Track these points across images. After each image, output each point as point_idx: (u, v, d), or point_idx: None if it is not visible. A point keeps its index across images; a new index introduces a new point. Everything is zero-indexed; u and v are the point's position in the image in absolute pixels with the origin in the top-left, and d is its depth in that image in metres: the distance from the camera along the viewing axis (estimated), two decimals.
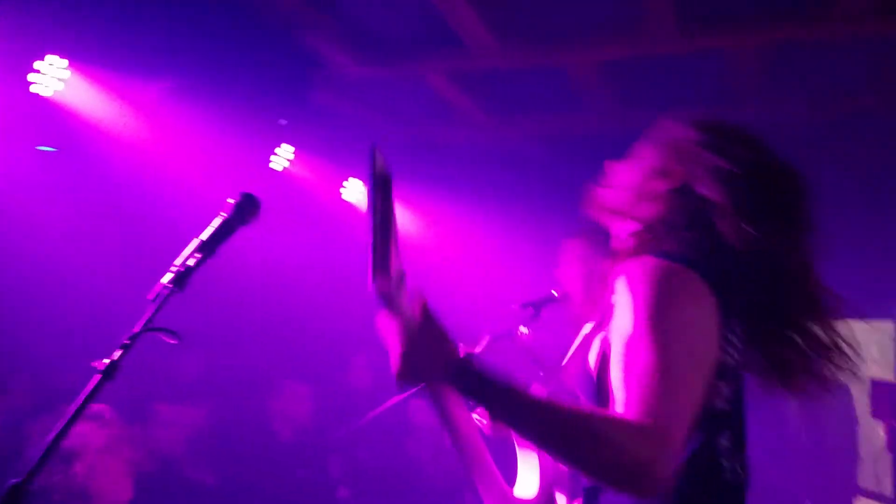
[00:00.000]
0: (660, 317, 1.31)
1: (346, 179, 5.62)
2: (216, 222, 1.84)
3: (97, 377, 1.66)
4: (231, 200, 1.85)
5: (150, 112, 3.74)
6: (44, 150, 4.17)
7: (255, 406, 4.81)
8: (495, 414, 1.51)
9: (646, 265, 1.40)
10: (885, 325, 6.68)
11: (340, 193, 5.62)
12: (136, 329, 1.72)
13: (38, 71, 3.31)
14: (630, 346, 1.31)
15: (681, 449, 1.26)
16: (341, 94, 5.07)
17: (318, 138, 4.94)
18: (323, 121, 4.93)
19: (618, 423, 1.22)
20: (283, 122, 4.30)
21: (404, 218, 6.40)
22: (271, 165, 4.59)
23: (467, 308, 5.55)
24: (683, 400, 1.26)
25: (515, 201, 6.18)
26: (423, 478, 5.26)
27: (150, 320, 1.74)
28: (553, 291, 3.28)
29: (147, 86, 3.62)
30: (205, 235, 1.83)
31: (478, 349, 3.34)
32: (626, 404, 1.25)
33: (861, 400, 6.52)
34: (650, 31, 4.35)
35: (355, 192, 5.71)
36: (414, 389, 4.06)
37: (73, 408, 1.62)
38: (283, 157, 4.65)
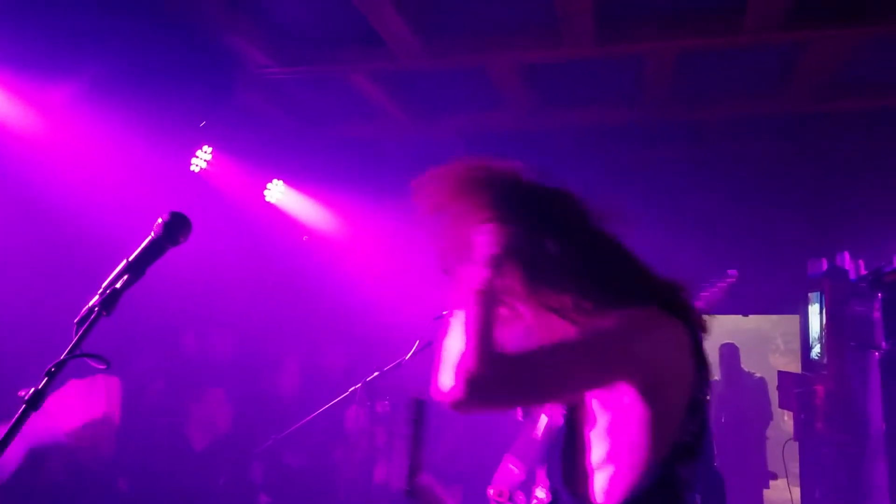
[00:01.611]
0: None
1: (270, 181, 5.52)
2: (145, 242, 1.79)
3: (22, 407, 1.60)
4: (160, 220, 1.80)
5: (61, 114, 3.56)
6: None
7: (173, 412, 4.68)
8: None
9: None
10: (791, 319, 7.06)
11: (263, 195, 5.52)
12: (62, 356, 1.65)
13: None
14: None
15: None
16: (264, 94, 4.97)
17: (241, 139, 4.83)
18: (245, 121, 4.83)
19: None
20: (202, 124, 4.18)
21: (324, 219, 6.35)
22: (192, 168, 4.46)
23: (390, 312, 5.55)
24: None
25: None
26: (349, 486, 5.24)
27: (76, 345, 1.68)
28: None
29: (56, 87, 3.44)
30: (132, 256, 1.77)
31: (407, 356, 3.37)
32: None
33: (771, 390, 6.89)
34: (569, 35, 4.44)
35: (278, 193, 5.62)
36: (347, 392, 4.01)
37: None
38: (202, 158, 4.53)
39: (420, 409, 1.92)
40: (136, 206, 3.38)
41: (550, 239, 1.61)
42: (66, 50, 3.33)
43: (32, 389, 1.61)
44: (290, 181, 5.75)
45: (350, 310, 6.03)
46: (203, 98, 4.15)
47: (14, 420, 1.59)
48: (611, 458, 1.49)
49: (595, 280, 1.57)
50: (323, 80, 5.19)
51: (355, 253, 6.41)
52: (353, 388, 3.92)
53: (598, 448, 1.51)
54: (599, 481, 1.49)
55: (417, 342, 3.30)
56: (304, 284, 6.07)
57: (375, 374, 3.60)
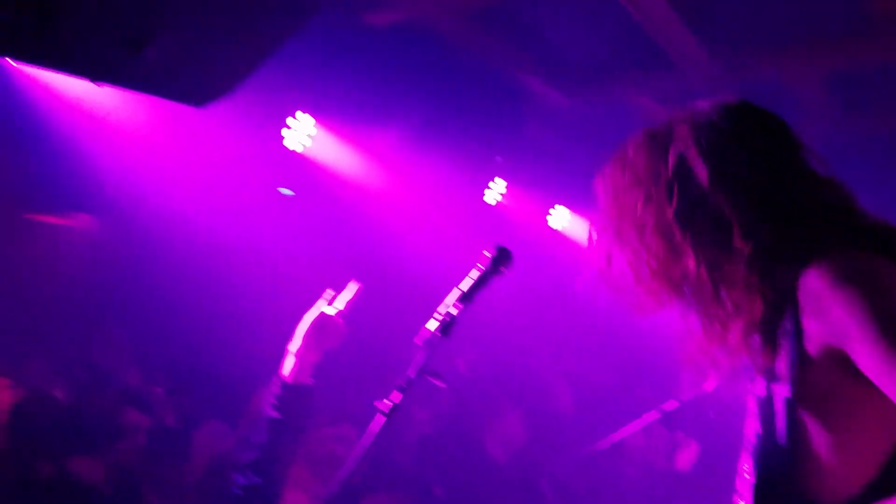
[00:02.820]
0: None
1: (553, 207, 5.70)
2: (474, 274, 1.96)
3: (380, 417, 1.83)
4: (487, 254, 1.97)
5: (382, 158, 4.04)
6: (284, 193, 4.63)
7: (474, 427, 4.98)
8: None
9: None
10: None
11: (547, 221, 5.71)
12: (411, 374, 1.87)
13: (289, 127, 3.72)
14: None
15: None
16: (551, 125, 5.14)
17: (529, 169, 5.07)
18: (534, 152, 5.05)
19: None
20: (498, 158, 4.46)
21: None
22: (485, 199, 4.78)
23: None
24: None
25: None
26: None
27: (423, 364, 1.88)
28: None
29: (378, 134, 3.92)
30: (466, 287, 1.95)
31: (706, 388, 3.23)
32: None
33: None
34: (881, 34, 4.00)
35: (561, 219, 5.78)
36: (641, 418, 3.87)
37: (362, 445, 1.80)
38: (495, 190, 4.84)
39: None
40: (445, 237, 3.69)
41: None
42: (388, 100, 3.79)
43: (391, 403, 1.84)
44: (572, 207, 5.88)
45: (628, 330, 5.96)
46: (497, 133, 4.43)
47: (374, 429, 1.83)
48: (851, 447, 1.23)
49: None
50: (606, 105, 5.23)
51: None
52: (648, 415, 3.85)
53: (836, 436, 1.24)
54: (836, 473, 1.24)
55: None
56: (582, 305, 6.12)
57: (674, 402, 3.51)
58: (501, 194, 4.92)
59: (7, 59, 2.72)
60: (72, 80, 3.22)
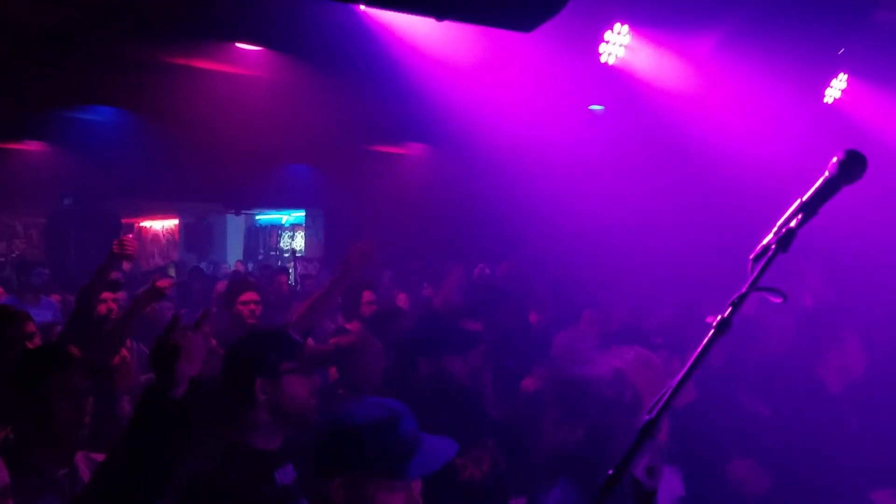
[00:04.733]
0: None
1: None
2: (819, 182, 1.80)
3: (711, 332, 1.80)
4: (835, 159, 1.79)
5: (703, 63, 3.82)
6: (594, 110, 4.62)
7: (810, 353, 4.64)
8: None
9: None
10: None
11: None
12: (744, 289, 1.80)
13: (606, 41, 3.67)
14: None
15: None
16: None
17: (880, 62, 4.40)
18: (886, 41, 4.36)
19: None
20: (840, 51, 3.93)
21: None
22: (826, 99, 4.27)
23: None
24: None
25: None
26: None
27: (756, 280, 1.80)
28: None
29: (699, 39, 3.69)
30: (807, 196, 1.81)
31: None
32: None
33: None
34: None
35: None
36: None
37: (690, 359, 1.80)
38: (836, 88, 4.28)
39: None
40: (774, 144, 3.42)
41: None
42: (705, 3, 3.53)
43: (720, 317, 1.80)
44: None
45: None
46: (838, 22, 3.89)
47: (704, 343, 1.81)
48: None
49: None
50: None
51: None
52: None
53: None
54: None
55: None
56: None
57: None
58: (843, 92, 4.34)
59: (359, 4, 3.05)
60: (411, 19, 3.52)
